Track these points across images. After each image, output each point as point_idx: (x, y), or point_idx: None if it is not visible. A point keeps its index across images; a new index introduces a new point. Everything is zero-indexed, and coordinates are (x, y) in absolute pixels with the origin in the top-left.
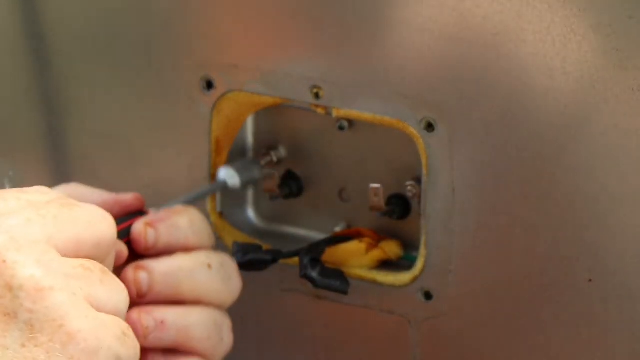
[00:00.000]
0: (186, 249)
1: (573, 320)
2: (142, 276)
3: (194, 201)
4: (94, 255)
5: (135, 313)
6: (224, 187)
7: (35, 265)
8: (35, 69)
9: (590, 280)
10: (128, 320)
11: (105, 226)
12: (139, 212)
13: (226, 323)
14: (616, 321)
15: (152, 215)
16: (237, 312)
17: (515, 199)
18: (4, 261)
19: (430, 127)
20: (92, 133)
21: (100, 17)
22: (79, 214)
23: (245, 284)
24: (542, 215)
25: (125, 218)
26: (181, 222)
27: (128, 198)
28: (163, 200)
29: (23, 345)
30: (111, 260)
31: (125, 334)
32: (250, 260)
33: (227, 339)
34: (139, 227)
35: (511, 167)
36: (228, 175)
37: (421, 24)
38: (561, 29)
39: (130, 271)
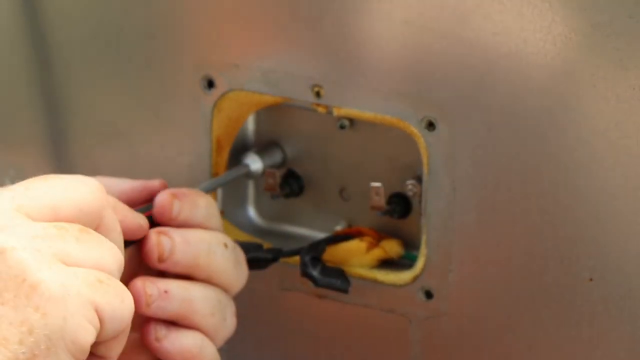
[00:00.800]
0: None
1: (573, 320)
2: (165, 240)
3: (217, 187)
4: (79, 220)
5: (139, 281)
6: (247, 172)
7: None
8: (36, 68)
9: (590, 280)
10: (131, 288)
11: (86, 190)
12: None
13: (230, 306)
14: (617, 321)
15: (176, 189)
16: (237, 311)
17: (516, 199)
18: None
19: (431, 126)
20: (92, 132)
21: (101, 17)
22: (53, 183)
23: (245, 284)
24: (543, 215)
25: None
26: (201, 202)
27: (155, 184)
28: None
29: None
30: (111, 226)
31: (101, 281)
32: (251, 259)
33: (230, 321)
34: (165, 197)
35: (512, 166)
36: (251, 159)
37: (422, 23)
38: (562, 28)
39: (153, 235)
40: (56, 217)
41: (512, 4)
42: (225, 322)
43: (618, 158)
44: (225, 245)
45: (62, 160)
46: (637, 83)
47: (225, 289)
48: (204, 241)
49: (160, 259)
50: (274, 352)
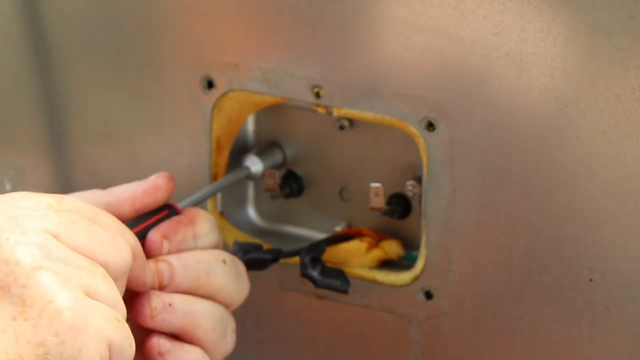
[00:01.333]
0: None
1: (574, 320)
2: (164, 267)
3: (218, 192)
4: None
5: (144, 294)
6: (248, 175)
7: (36, 247)
8: (36, 69)
9: (591, 280)
10: (137, 301)
11: (120, 254)
12: (166, 206)
13: (231, 323)
14: (617, 321)
15: (166, 226)
16: (237, 312)
17: (516, 199)
18: (7, 239)
19: (430, 126)
20: (92, 132)
21: (101, 17)
22: (95, 230)
23: None
24: (543, 215)
25: (153, 213)
26: (189, 234)
27: (159, 184)
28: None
29: (14, 319)
30: (120, 289)
31: (118, 320)
32: (251, 260)
33: (230, 338)
34: (155, 238)
35: (511, 167)
36: (251, 161)
37: (422, 23)
38: (562, 28)
39: (151, 264)
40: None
41: (512, 4)
42: (226, 339)
43: (618, 158)
44: (224, 262)
45: (61, 160)
46: (637, 83)
47: (227, 305)
48: (202, 261)
49: (161, 287)
50: (274, 352)
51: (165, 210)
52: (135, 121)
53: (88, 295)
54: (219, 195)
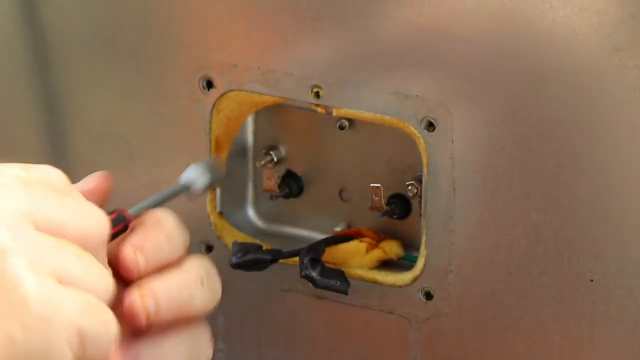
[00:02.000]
0: (169, 265)
1: (574, 321)
2: (150, 304)
3: (160, 204)
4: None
5: None
6: (187, 189)
7: (3, 228)
8: (35, 69)
9: (591, 281)
10: None
11: (96, 222)
12: (118, 216)
13: (204, 337)
14: (618, 321)
15: (135, 237)
16: (237, 312)
17: (516, 199)
18: None
19: (430, 126)
20: (91, 132)
21: (100, 17)
22: (68, 202)
23: (245, 284)
24: (543, 215)
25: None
26: (161, 238)
27: (98, 179)
28: None
29: None
30: (102, 260)
31: (90, 305)
32: (250, 260)
33: (205, 353)
34: (129, 253)
35: (512, 167)
36: (196, 173)
37: (422, 23)
38: (562, 29)
39: (137, 299)
40: (59, 235)
41: (513, 4)
42: (200, 357)
43: (618, 159)
44: (202, 282)
45: (60, 161)
46: (637, 83)
47: (200, 321)
48: (184, 288)
49: (148, 321)
50: (274, 352)
51: (112, 214)
52: (134, 122)
53: (59, 279)
54: (218, 196)
